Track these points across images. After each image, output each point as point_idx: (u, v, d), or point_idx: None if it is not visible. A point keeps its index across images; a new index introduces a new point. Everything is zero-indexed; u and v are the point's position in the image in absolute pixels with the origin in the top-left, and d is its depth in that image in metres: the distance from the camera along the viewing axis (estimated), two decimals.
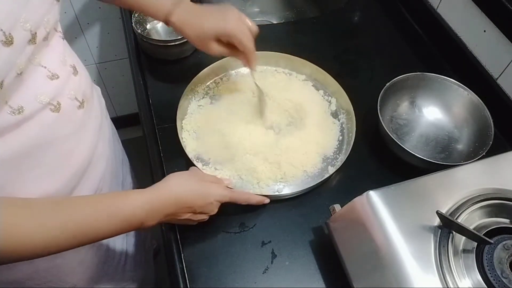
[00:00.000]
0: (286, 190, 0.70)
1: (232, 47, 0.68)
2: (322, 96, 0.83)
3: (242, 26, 0.67)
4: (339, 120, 0.80)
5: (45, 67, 0.50)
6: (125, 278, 0.86)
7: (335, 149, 0.76)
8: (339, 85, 0.80)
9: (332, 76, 0.82)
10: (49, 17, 0.48)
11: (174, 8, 0.65)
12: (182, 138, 0.74)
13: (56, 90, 0.52)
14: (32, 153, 0.51)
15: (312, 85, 0.84)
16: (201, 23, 0.66)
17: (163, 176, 0.70)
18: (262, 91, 0.76)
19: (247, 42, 0.67)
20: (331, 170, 0.71)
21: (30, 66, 0.48)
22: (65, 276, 0.67)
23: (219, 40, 0.67)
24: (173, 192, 0.55)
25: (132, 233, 0.90)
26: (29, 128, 0.49)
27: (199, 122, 0.76)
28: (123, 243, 0.83)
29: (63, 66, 0.54)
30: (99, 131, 0.66)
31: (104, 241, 0.74)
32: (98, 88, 0.77)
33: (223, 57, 0.79)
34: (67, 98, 0.54)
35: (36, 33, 0.45)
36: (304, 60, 0.84)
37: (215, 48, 0.68)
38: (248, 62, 0.71)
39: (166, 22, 0.67)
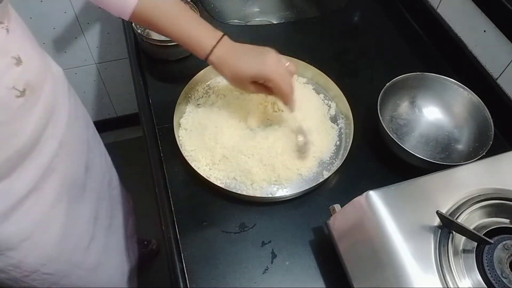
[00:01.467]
0: (280, 192, 0.70)
1: (270, 87, 0.69)
2: (322, 100, 0.83)
3: (280, 69, 0.67)
4: (337, 125, 0.80)
5: None
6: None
7: (332, 154, 0.75)
8: (339, 90, 0.80)
9: (332, 76, 0.82)
10: None
11: (215, 47, 0.66)
12: (178, 136, 0.74)
13: None
14: None
15: (313, 89, 0.84)
16: (239, 65, 0.66)
17: (163, 176, 0.70)
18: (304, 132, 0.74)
19: (285, 86, 0.67)
20: (326, 174, 0.71)
21: None
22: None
23: (256, 81, 0.68)
24: None
25: (103, 215, 0.92)
26: None
27: (197, 121, 0.76)
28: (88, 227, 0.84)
29: (1, 58, 0.55)
30: (50, 114, 0.67)
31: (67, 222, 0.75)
32: (60, 69, 0.77)
33: None
34: (3, 87, 0.55)
35: None
36: (306, 64, 0.84)
37: (252, 89, 0.69)
38: (286, 104, 0.71)
39: (205, 59, 0.67)
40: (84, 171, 0.83)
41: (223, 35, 0.67)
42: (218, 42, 0.66)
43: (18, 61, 0.58)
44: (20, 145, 0.61)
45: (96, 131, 0.96)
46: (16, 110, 0.58)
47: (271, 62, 0.66)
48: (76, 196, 0.80)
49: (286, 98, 0.69)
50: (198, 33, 0.66)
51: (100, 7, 0.65)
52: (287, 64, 0.68)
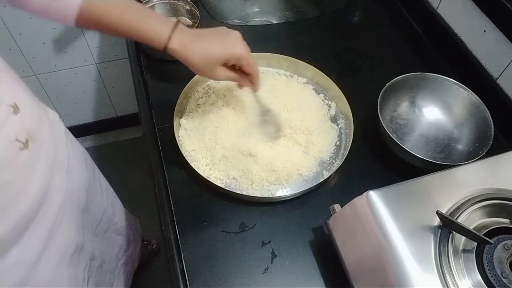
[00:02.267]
0: (280, 192, 0.70)
1: (235, 71, 0.67)
2: (322, 100, 0.83)
3: (247, 48, 0.64)
4: (337, 125, 0.80)
5: None
6: None
7: (332, 154, 0.75)
8: (339, 90, 0.80)
9: (332, 76, 0.82)
10: None
11: (173, 33, 0.60)
12: (178, 136, 0.74)
13: None
14: None
15: (313, 89, 0.84)
16: (208, 48, 0.62)
17: (163, 176, 0.70)
18: (268, 109, 0.74)
19: (254, 63, 0.66)
20: (326, 174, 0.71)
21: None
22: None
23: (224, 65, 0.64)
24: None
25: (97, 254, 0.88)
26: None
27: (197, 121, 0.76)
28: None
29: None
30: (53, 165, 0.63)
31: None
32: (55, 113, 0.73)
33: None
34: (5, 141, 0.51)
35: None
36: (306, 64, 0.84)
37: (223, 73, 0.64)
38: (253, 84, 0.69)
39: (165, 49, 0.62)
40: (81, 214, 0.79)
41: (177, 22, 0.62)
42: (175, 27, 0.61)
43: (16, 109, 0.53)
44: (28, 205, 0.57)
45: (95, 166, 0.90)
46: (21, 166, 0.54)
47: (239, 42, 0.64)
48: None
49: (256, 76, 0.67)
50: (151, 20, 0.61)
51: (40, 16, 0.59)
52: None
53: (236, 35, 0.64)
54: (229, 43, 0.63)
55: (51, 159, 0.63)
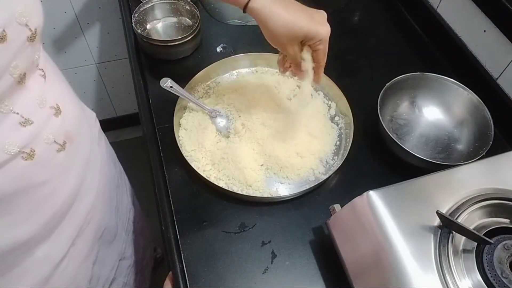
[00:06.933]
0: (280, 192, 0.70)
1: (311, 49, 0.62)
2: (322, 99, 0.83)
3: (329, 32, 0.59)
4: (337, 125, 0.80)
5: (17, 113, 0.46)
6: None
7: (332, 153, 0.75)
8: (339, 90, 0.80)
9: (332, 76, 0.82)
10: (17, 62, 0.44)
11: None
12: (178, 136, 0.74)
13: (29, 137, 0.48)
14: (1, 201, 0.48)
15: (313, 88, 0.84)
16: (294, 18, 0.57)
17: (163, 176, 0.70)
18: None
19: (325, 53, 0.62)
20: (326, 174, 0.71)
21: None
22: None
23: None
24: None
25: (128, 254, 0.89)
26: None
27: (197, 121, 0.76)
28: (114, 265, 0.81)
29: (40, 109, 0.50)
30: (87, 165, 0.63)
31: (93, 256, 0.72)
32: (93, 113, 0.73)
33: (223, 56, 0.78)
34: (43, 143, 0.50)
35: None
36: None
37: (295, 49, 0.60)
38: (316, 76, 0.65)
39: (245, 8, 0.58)
40: (115, 212, 0.79)
41: None
42: None
43: (57, 111, 0.53)
44: (60, 204, 0.57)
45: (121, 166, 0.91)
46: (57, 167, 0.54)
47: (325, 22, 0.59)
48: (108, 240, 0.77)
49: (322, 67, 0.63)
50: None
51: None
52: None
53: (324, 15, 0.60)
54: (317, 21, 0.59)
55: (86, 159, 0.63)
